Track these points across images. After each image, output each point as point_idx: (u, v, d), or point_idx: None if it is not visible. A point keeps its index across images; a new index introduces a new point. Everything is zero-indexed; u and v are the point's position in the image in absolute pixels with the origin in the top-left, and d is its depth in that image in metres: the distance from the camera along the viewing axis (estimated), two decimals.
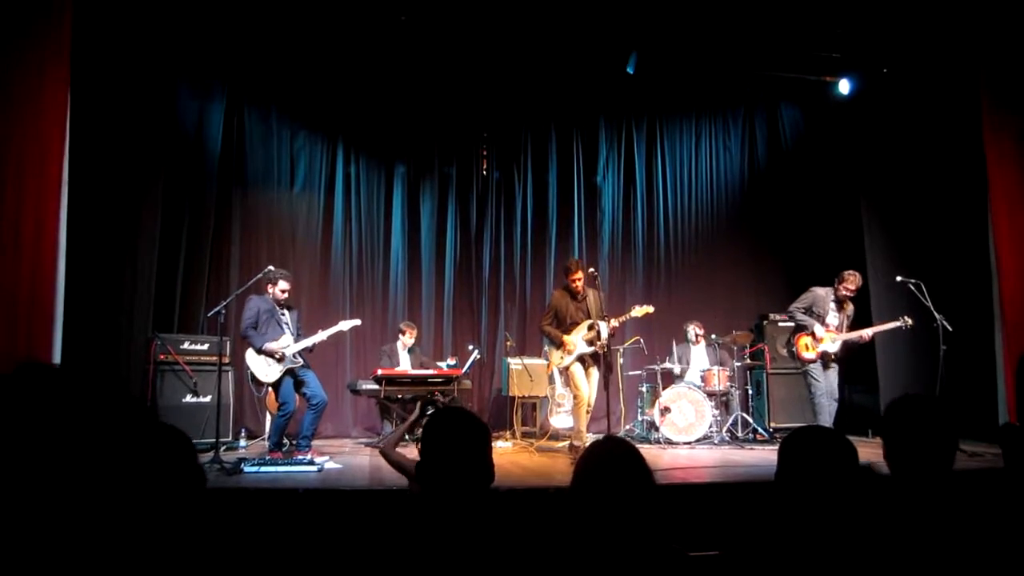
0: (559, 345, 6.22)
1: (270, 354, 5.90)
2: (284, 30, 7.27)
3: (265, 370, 5.92)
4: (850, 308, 6.48)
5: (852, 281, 6.33)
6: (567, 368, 6.26)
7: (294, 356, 5.99)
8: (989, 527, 1.66)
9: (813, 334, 6.31)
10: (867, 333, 6.43)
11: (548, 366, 6.71)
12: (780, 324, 8.00)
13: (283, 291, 6.12)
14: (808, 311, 6.45)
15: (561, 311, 6.31)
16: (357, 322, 6.58)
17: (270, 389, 6.22)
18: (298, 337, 6.15)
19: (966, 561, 1.61)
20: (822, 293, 6.48)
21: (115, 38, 6.52)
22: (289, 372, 5.97)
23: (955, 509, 1.70)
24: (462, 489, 1.77)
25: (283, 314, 6.13)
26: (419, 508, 1.78)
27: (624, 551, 1.62)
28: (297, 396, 6.11)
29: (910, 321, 6.36)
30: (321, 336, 6.24)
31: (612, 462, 1.72)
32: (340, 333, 6.49)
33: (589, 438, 6.10)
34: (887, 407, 1.91)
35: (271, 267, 6.21)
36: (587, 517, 1.67)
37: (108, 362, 6.50)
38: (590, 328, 6.16)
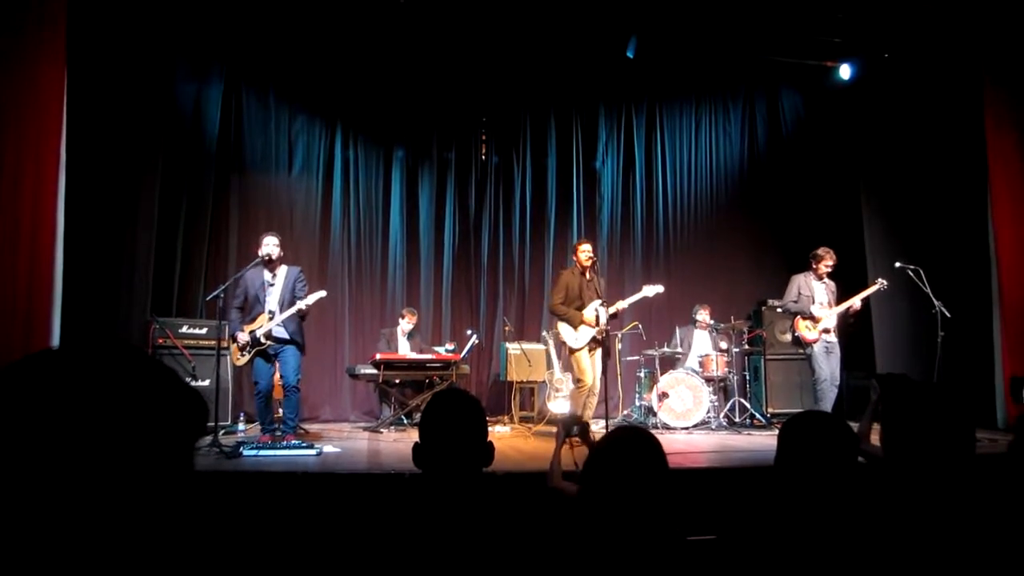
0: (576, 323, 6.05)
1: (236, 342, 5.76)
2: (283, 11, 7.22)
3: (236, 355, 5.85)
4: (832, 284, 6.57)
5: (829, 256, 6.44)
6: (576, 351, 6.07)
7: (262, 338, 5.69)
8: (989, 514, 1.66)
9: (812, 316, 6.37)
10: (857, 302, 6.48)
11: (556, 347, 6.54)
12: (779, 310, 8.00)
13: (267, 255, 5.68)
14: (798, 298, 6.53)
15: (572, 289, 6.19)
16: (322, 294, 5.99)
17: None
18: (292, 300, 5.79)
19: (964, 548, 1.61)
20: (802, 278, 6.58)
21: (112, 18, 6.46)
22: (260, 354, 5.76)
23: (954, 495, 1.70)
24: (460, 470, 1.78)
25: (272, 283, 5.80)
26: (417, 490, 1.78)
27: (633, 538, 1.63)
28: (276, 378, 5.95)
29: (885, 283, 6.51)
30: (288, 312, 5.74)
31: (632, 451, 1.72)
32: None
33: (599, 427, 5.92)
34: (885, 389, 1.90)
35: None
36: (600, 503, 1.67)
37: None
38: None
